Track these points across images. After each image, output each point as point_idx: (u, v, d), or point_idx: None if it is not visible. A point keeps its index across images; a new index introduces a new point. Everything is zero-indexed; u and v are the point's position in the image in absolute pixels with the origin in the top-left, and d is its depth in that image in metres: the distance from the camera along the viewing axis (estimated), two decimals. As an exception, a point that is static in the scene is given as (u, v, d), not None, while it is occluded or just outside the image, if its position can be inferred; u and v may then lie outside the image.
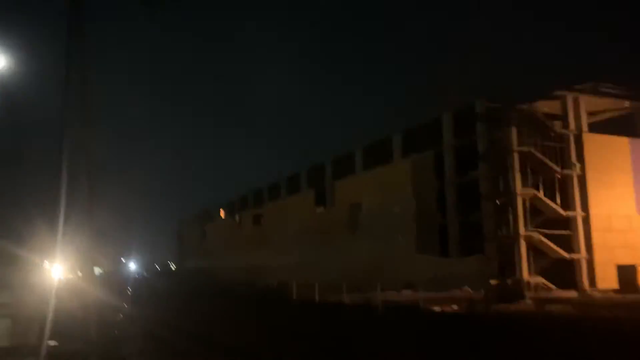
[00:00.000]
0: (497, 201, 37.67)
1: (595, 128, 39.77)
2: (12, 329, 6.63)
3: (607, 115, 42.22)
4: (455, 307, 28.57)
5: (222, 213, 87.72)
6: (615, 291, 34.04)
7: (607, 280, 35.04)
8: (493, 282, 34.40)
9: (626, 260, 35.80)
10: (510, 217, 35.41)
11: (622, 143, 38.33)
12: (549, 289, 33.77)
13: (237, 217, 78.98)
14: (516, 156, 35.46)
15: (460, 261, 38.24)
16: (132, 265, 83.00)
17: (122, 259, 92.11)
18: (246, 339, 17.07)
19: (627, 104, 40.39)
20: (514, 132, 35.95)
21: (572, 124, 37.43)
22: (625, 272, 35.27)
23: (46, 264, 19.41)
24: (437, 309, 27.76)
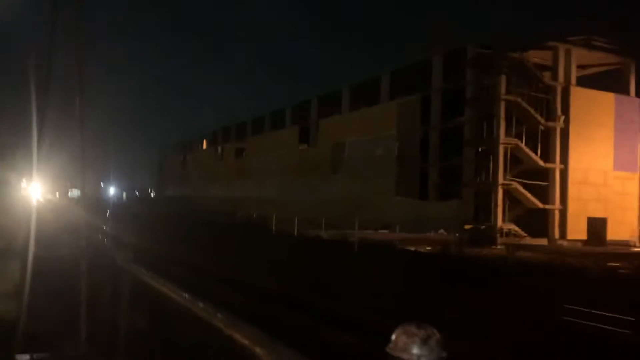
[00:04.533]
0: (479, 148, 37.99)
1: (582, 82, 39.77)
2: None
3: (596, 69, 42.14)
4: (428, 248, 29.42)
5: (204, 144, 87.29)
6: (583, 242, 35.18)
7: (578, 231, 36.10)
8: (467, 226, 35.28)
9: (598, 214, 36.80)
10: (491, 165, 35.80)
11: (607, 99, 38.47)
12: (521, 236, 34.70)
13: (219, 149, 78.70)
14: (502, 104, 35.39)
15: (438, 204, 38.92)
16: (112, 190, 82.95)
17: (101, 183, 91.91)
18: (224, 266, 17.49)
19: (616, 59, 40.21)
20: (502, 80, 35.75)
21: (561, 76, 37.30)
22: (595, 224, 36.30)
23: (23, 182, 19.12)
24: (411, 248, 28.60)
